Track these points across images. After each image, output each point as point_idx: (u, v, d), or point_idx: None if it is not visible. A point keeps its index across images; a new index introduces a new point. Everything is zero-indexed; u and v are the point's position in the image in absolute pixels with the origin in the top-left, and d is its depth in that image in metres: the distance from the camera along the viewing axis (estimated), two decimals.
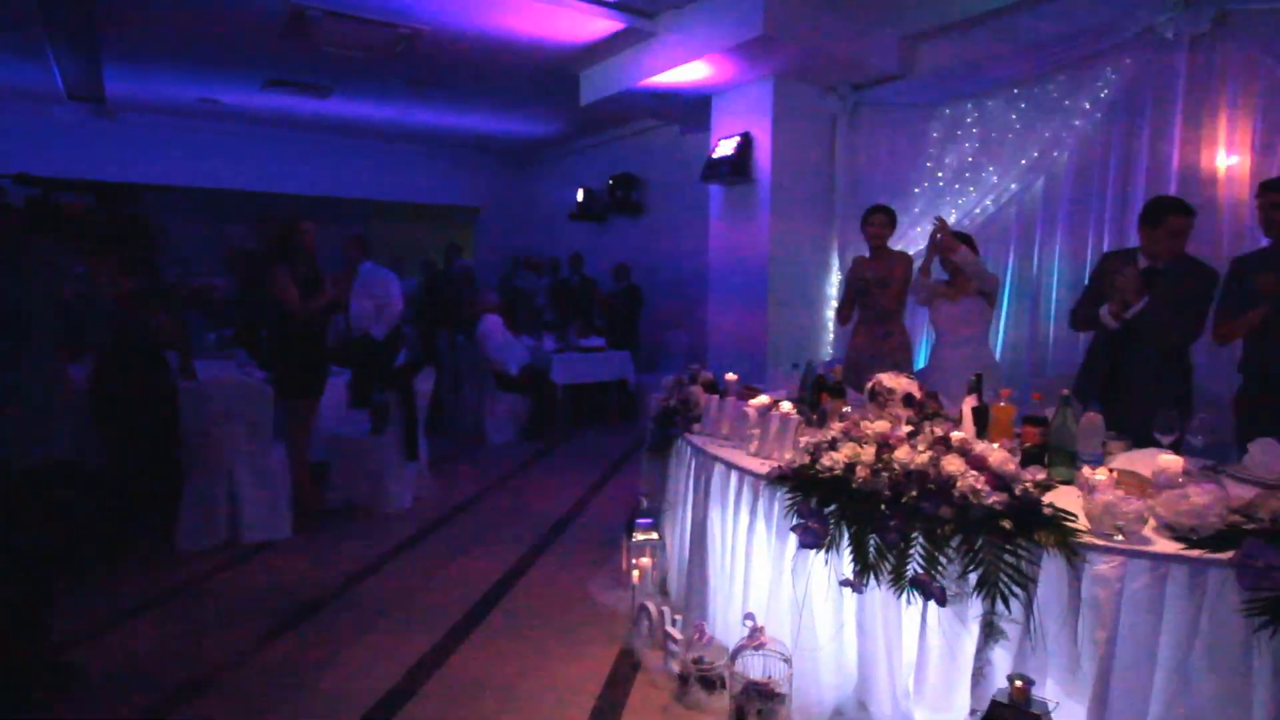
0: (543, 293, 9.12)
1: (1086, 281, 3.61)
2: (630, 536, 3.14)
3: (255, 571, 3.69)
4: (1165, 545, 1.84)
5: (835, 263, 6.11)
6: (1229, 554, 1.75)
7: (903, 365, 3.89)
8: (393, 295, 5.89)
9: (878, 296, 4.10)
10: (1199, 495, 1.86)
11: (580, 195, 9.51)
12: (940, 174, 5.41)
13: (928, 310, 4.04)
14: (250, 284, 5.83)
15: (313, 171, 9.89)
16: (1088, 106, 4.59)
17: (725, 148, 5.83)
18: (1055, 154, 4.80)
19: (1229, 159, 4.11)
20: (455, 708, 2.54)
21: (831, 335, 6.18)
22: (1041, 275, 5.00)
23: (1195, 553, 1.79)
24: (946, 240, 3.67)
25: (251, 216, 6.34)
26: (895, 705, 2.18)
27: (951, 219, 5.28)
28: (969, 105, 5.23)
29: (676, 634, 2.60)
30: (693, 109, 6.46)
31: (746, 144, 5.74)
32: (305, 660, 2.85)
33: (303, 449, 4.37)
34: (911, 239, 5.57)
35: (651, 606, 2.81)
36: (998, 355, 5.08)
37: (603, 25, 5.39)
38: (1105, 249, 4.61)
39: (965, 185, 5.26)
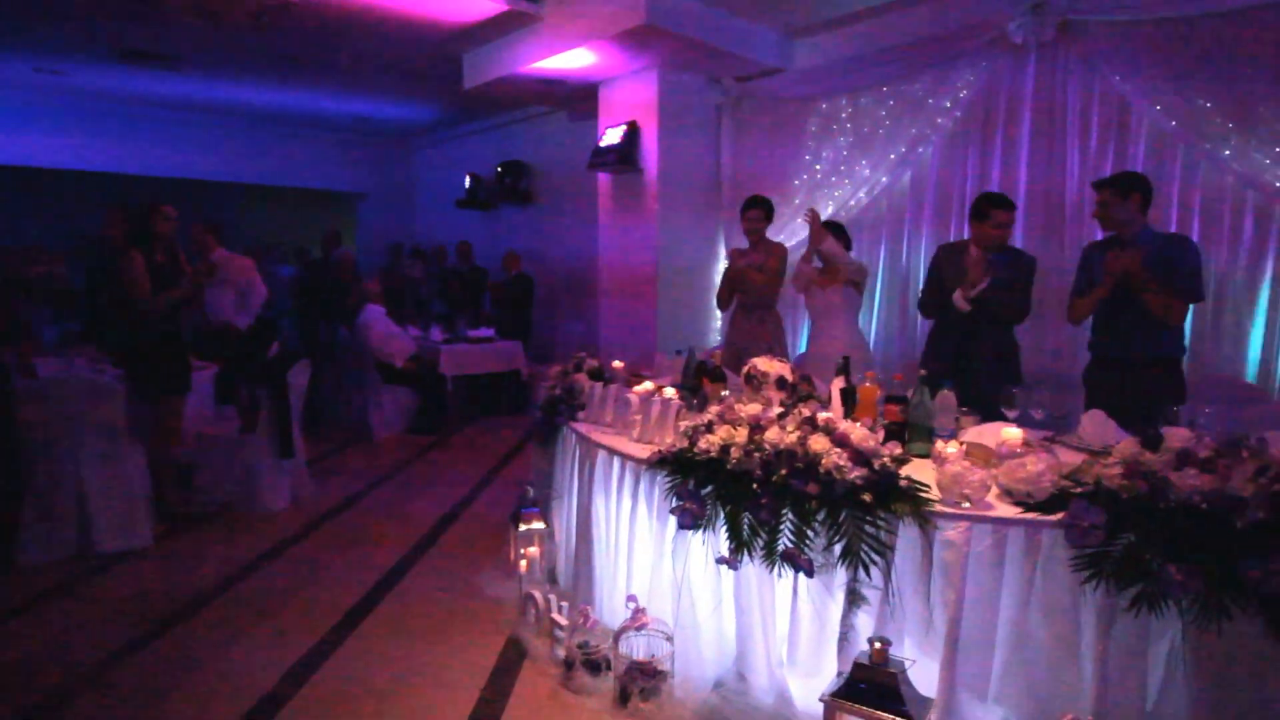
0: (430, 282, 8.87)
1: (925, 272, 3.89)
2: (516, 527, 3.12)
3: (111, 582, 3.42)
4: (1006, 510, 2.00)
5: (722, 251, 6.25)
6: (1059, 515, 1.92)
7: (778, 349, 4.04)
8: (254, 282, 5.58)
9: (753, 285, 4.23)
10: (1034, 464, 2.04)
11: (468, 182, 9.29)
12: (818, 166, 5.63)
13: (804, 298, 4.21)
14: (100, 273, 5.37)
15: (175, 152, 9.14)
16: (948, 105, 4.89)
17: (612, 136, 5.85)
18: (921, 150, 5.09)
19: (1072, 157, 4.49)
20: (338, 704, 2.46)
21: (719, 322, 6.34)
22: (910, 263, 5.31)
23: (1031, 516, 1.95)
24: (815, 231, 3.86)
25: (105, 200, 5.80)
26: (771, 674, 2.28)
27: (828, 210, 5.52)
28: (844, 101, 5.46)
29: (562, 620, 2.61)
30: (581, 96, 6.44)
31: (633, 133, 5.78)
32: (170, 671, 2.67)
33: (170, 451, 4.09)
34: (794, 230, 5.78)
35: (538, 594, 2.81)
36: (872, 338, 5.37)
37: (485, 6, 5.26)
38: (955, 241, 4.96)
39: (841, 178, 5.50)
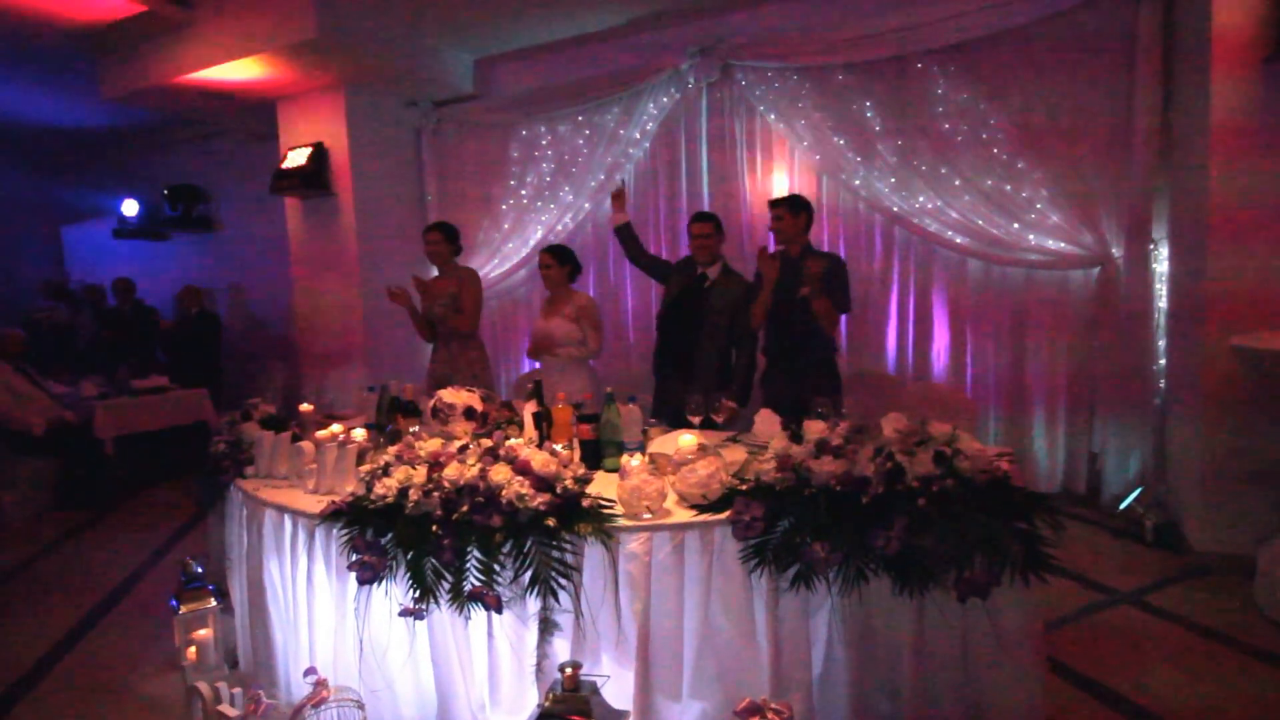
0: (89, 328, 7.46)
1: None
2: (179, 609, 2.65)
3: None
4: (683, 515, 2.08)
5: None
6: (727, 514, 2.04)
7: (481, 378, 3.94)
8: None
9: (444, 313, 4.08)
10: (704, 467, 2.15)
11: (132, 207, 7.99)
12: (524, 191, 5.67)
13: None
14: None
15: None
16: (638, 135, 5.20)
17: (296, 158, 5.37)
18: (617, 176, 5.33)
19: (744, 184, 5.00)
20: None
21: None
22: (618, 285, 5.54)
23: (702, 517, 2.05)
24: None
25: None
26: (474, 719, 2.15)
27: (538, 234, 5.58)
28: (542, 129, 5.56)
29: (230, 712, 2.24)
30: (259, 113, 5.82)
31: (320, 154, 5.35)
32: None
33: None
34: (506, 254, 5.74)
35: (203, 687, 2.39)
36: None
37: (114, 5, 4.51)
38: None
39: (546, 203, 5.58)
